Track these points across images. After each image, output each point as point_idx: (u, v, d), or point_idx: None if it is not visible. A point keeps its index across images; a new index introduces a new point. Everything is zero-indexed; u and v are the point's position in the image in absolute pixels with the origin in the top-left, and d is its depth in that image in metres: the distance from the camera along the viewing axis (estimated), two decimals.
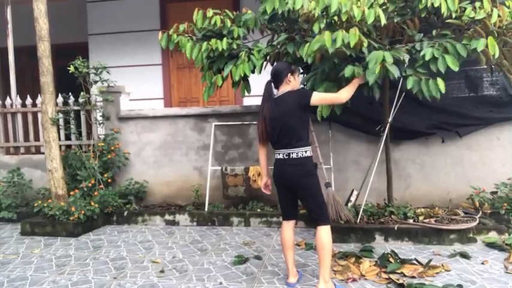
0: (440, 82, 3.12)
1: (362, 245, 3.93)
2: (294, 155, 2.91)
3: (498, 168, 4.71)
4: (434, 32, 3.45)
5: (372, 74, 3.02)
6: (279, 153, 3.00)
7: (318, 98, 2.96)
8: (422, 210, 4.37)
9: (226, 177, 5.09)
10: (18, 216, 5.33)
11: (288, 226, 3.10)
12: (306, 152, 2.93)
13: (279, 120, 2.92)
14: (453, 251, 3.70)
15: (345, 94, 3.03)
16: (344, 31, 3.03)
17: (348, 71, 3.14)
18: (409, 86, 3.21)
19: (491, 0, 3.22)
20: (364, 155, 4.97)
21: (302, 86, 4.14)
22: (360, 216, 4.25)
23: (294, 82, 3.06)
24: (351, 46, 3.00)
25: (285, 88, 3.02)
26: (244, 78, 4.01)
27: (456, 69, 3.09)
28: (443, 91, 3.13)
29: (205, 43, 3.84)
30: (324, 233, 2.89)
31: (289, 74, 3.02)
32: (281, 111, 2.93)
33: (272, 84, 3.09)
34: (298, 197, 3.02)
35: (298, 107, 2.90)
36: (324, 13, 3.31)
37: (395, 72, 3.02)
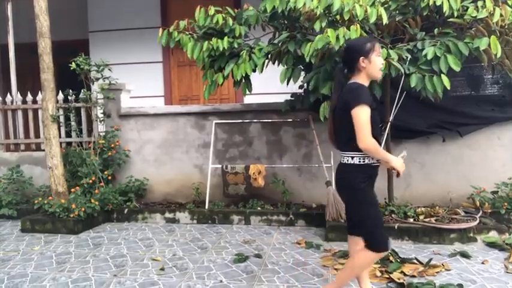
0: (444, 78, 3.11)
1: None
2: (341, 160, 2.48)
3: (499, 167, 4.71)
4: (436, 31, 3.44)
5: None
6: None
7: (358, 117, 2.28)
8: (423, 209, 4.36)
9: (226, 175, 5.09)
10: (18, 213, 5.33)
11: (351, 240, 2.67)
12: (352, 158, 2.40)
13: (336, 115, 2.49)
14: (453, 251, 3.70)
15: (371, 145, 2.30)
16: (345, 28, 3.03)
17: None
18: (412, 84, 3.20)
19: None
20: None
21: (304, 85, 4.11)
22: None
23: (369, 66, 2.37)
24: None
25: (356, 77, 2.42)
26: (246, 77, 4.00)
27: (458, 69, 3.09)
28: (448, 87, 3.12)
29: (206, 42, 3.83)
30: (362, 254, 2.43)
31: (361, 59, 2.36)
32: (339, 103, 2.43)
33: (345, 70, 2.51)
34: None
35: (345, 106, 2.36)
36: (326, 12, 3.30)
37: (400, 67, 3.02)
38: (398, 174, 2.44)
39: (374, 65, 2.38)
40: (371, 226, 2.41)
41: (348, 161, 2.42)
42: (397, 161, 2.40)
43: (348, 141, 2.37)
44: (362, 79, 2.41)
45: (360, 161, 2.39)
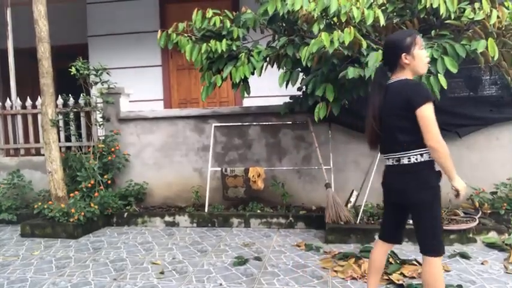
0: (441, 78, 3.12)
1: (362, 246, 3.93)
2: (405, 161, 2.24)
3: (498, 168, 4.71)
4: (433, 33, 3.46)
5: (372, 71, 3.01)
6: (388, 158, 2.35)
7: (427, 115, 2.13)
8: None
9: (226, 178, 5.09)
10: (18, 218, 5.32)
11: (381, 246, 2.51)
12: (421, 155, 2.22)
13: (389, 115, 2.27)
14: (453, 251, 3.71)
15: (443, 146, 2.21)
16: (340, 31, 3.05)
17: (350, 72, 3.14)
18: None
19: (491, 1, 3.23)
20: (364, 155, 4.97)
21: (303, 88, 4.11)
22: (359, 216, 4.25)
23: (414, 62, 2.22)
24: (346, 44, 3.01)
25: (400, 74, 2.26)
26: (244, 80, 4.01)
27: (455, 71, 3.10)
28: (445, 87, 3.13)
29: (205, 45, 3.84)
30: (430, 266, 2.22)
31: (403, 55, 2.21)
32: (391, 103, 2.24)
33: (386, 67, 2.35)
34: (410, 213, 2.35)
35: (404, 105, 2.17)
36: (324, 14, 3.32)
37: None
38: (458, 195, 2.23)
39: (419, 60, 2.22)
40: (439, 227, 2.26)
41: (416, 159, 2.21)
42: (461, 181, 2.23)
43: (412, 140, 2.20)
44: (407, 76, 2.25)
45: (430, 157, 2.23)
